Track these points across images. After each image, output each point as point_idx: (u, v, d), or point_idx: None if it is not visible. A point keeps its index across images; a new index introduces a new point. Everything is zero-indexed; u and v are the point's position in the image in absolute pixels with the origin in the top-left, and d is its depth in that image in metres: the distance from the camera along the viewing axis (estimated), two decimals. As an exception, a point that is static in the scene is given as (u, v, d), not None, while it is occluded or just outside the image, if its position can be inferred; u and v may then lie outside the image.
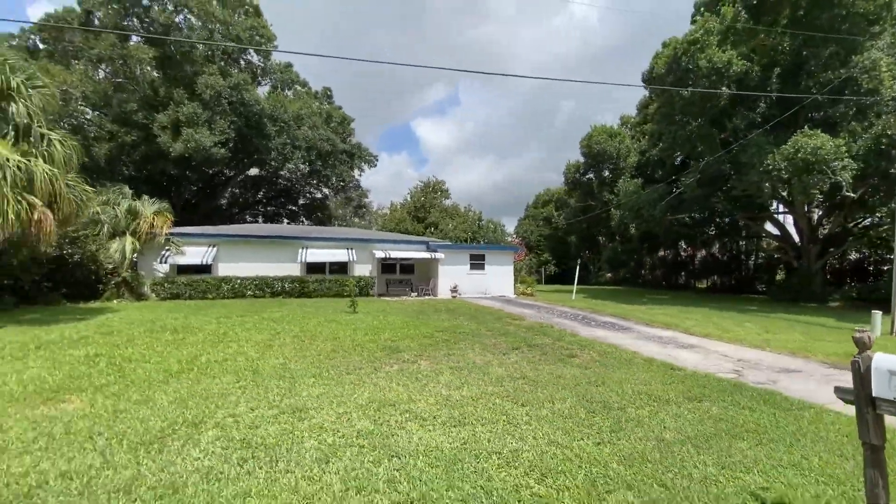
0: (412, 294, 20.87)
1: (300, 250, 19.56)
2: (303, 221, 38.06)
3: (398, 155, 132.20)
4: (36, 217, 9.10)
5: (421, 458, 3.49)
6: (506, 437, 3.99)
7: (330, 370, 6.43)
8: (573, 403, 5.01)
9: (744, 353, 8.65)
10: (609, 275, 42.92)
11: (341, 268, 20.69)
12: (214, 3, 22.64)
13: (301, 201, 37.96)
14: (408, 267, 24.11)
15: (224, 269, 18.96)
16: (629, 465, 3.45)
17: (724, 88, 16.24)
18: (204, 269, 18.53)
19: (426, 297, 20.73)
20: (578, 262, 21.61)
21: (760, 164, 15.37)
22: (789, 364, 7.77)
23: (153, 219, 17.13)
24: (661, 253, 37.64)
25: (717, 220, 28.66)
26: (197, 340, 8.60)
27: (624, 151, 25.65)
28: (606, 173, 28.39)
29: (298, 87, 31.32)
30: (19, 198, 8.80)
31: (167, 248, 17.86)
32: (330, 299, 17.94)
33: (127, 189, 18.26)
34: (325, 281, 18.90)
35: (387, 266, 23.80)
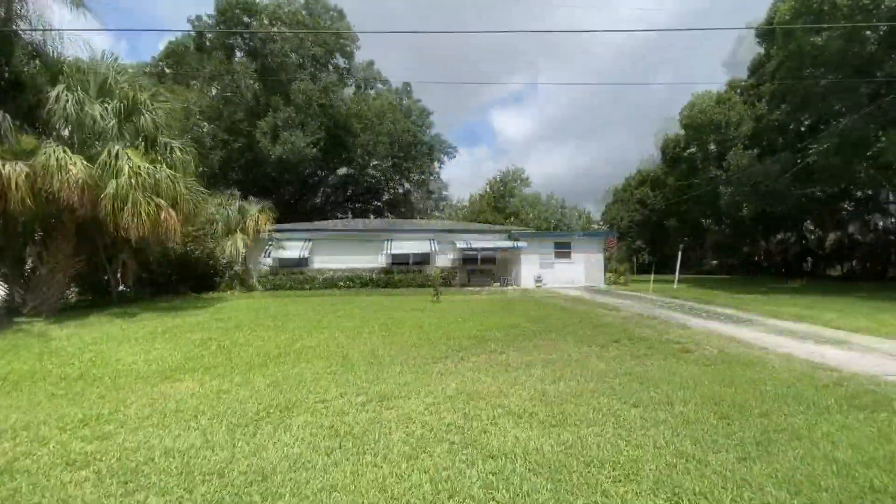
0: (494, 284, 20.40)
1: (385, 243, 20.12)
2: (387, 216, 39.54)
3: (478, 148, 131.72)
4: (162, 216, 10.31)
5: (519, 461, 3.04)
6: (618, 442, 3.37)
7: (417, 359, 6.26)
8: (698, 405, 4.18)
9: (917, 353, 6.81)
10: (715, 262, 38.24)
11: (424, 259, 20.92)
12: (304, 12, 24.21)
13: (385, 197, 39.39)
14: (489, 258, 23.61)
15: (318, 263, 20.22)
16: (794, 491, 2.65)
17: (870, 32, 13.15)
18: (301, 262, 19.93)
19: (508, 287, 20.12)
20: (680, 247, 19.27)
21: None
22: None
23: (258, 217, 18.77)
24: (781, 235, 32.44)
25: (857, 193, 23.75)
26: (294, 327, 9.07)
27: (734, 119, 22.15)
28: (712, 146, 24.86)
29: (380, 85, 32.39)
30: (149, 199, 10.05)
31: (269, 243, 19.50)
32: (414, 290, 18.20)
33: (237, 191, 20.28)
34: (408, 272, 19.24)
35: (468, 257, 23.56)
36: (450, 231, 21.24)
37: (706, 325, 9.23)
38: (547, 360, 6.20)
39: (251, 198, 19.85)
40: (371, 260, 20.09)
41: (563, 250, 20.90)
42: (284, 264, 20.11)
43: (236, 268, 18.92)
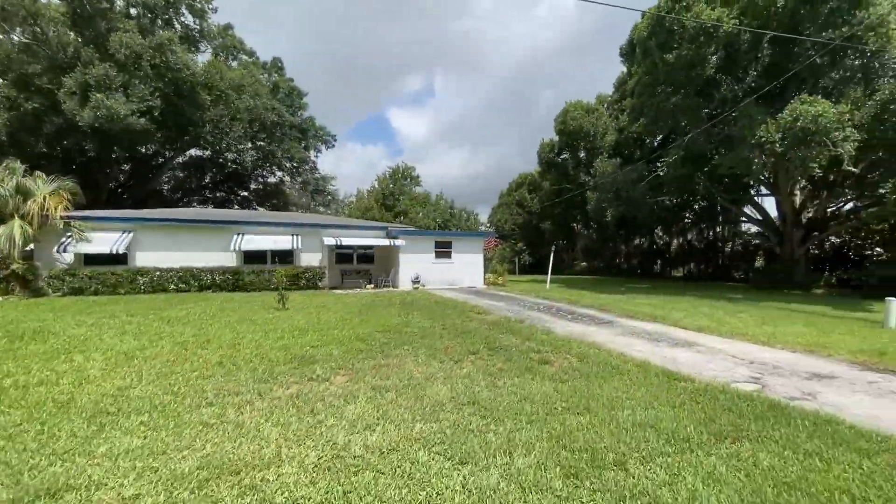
0: (367, 287, 18.75)
1: (234, 237, 17.06)
2: (256, 209, 35.10)
3: (374, 146, 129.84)
4: None
5: None
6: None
7: (186, 398, 4.35)
8: (543, 455, 3.14)
9: (753, 352, 7.07)
10: (584, 263, 41.92)
11: (286, 257, 18.34)
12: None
13: (253, 186, 34.88)
14: (367, 256, 21.94)
15: (143, 259, 16.30)
16: None
17: (711, 49, 14.73)
18: (117, 259, 15.82)
19: (385, 289, 18.67)
20: (552, 249, 19.97)
21: (752, 136, 13.97)
22: (814, 366, 6.21)
23: (46, 199, 14.31)
24: (637, 241, 36.80)
25: (695, 205, 27.71)
26: (33, 352, 6.30)
27: (601, 129, 24.07)
28: (583, 154, 26.80)
29: (245, 57, 28.20)
30: None
31: (69, 234, 15.06)
32: (269, 293, 15.62)
33: (18, 164, 15.31)
34: (264, 272, 16.52)
35: (343, 255, 21.56)
36: (318, 226, 18.96)
37: (569, 329, 8.87)
38: (378, 387, 4.81)
39: (39, 173, 15.14)
40: (216, 257, 16.87)
41: (443, 250, 20.16)
42: (95, 261, 15.76)
43: (13, 266, 14.19)
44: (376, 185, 53.24)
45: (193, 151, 31.00)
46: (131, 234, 16.12)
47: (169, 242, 16.74)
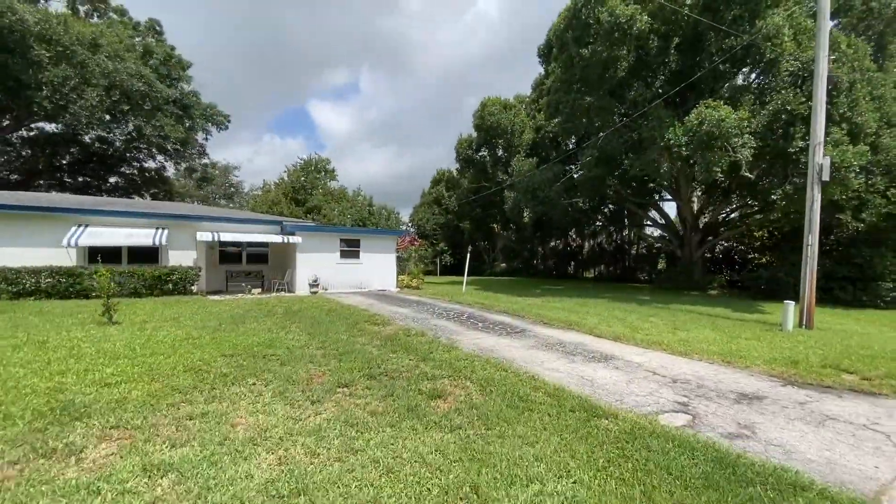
0: (255, 291, 16.15)
1: (73, 229, 13.52)
2: (132, 199, 29.80)
3: (293, 139, 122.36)
4: None
5: None
6: None
7: None
8: None
9: (672, 365, 6.37)
10: (504, 264, 42.21)
11: (150, 255, 15.08)
12: None
13: (127, 171, 29.52)
14: (260, 255, 19.18)
15: (-70, 257, 12.21)
16: None
17: (624, 50, 14.67)
18: None
19: (280, 293, 16.22)
20: (469, 250, 18.96)
21: (661, 139, 14.04)
22: (738, 383, 5.58)
23: None
24: (553, 242, 37.77)
25: (605, 209, 28.78)
26: None
27: (519, 127, 23.78)
28: (501, 151, 26.42)
29: (114, 16, 23.41)
30: None
31: None
32: (120, 300, 12.50)
33: None
34: (115, 274, 13.23)
35: (229, 254, 18.58)
36: (191, 217, 15.90)
37: (477, 342, 7.62)
38: (155, 465, 2.99)
39: None
40: (46, 254, 13.24)
41: (350, 249, 18.17)
42: None
43: None
44: (285, 178, 49.11)
45: (46, 125, 25.26)
46: None
47: (-29, 235, 12.77)
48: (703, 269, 22.87)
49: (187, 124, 25.65)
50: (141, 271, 13.65)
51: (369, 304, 13.04)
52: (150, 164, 29.91)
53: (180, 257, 15.40)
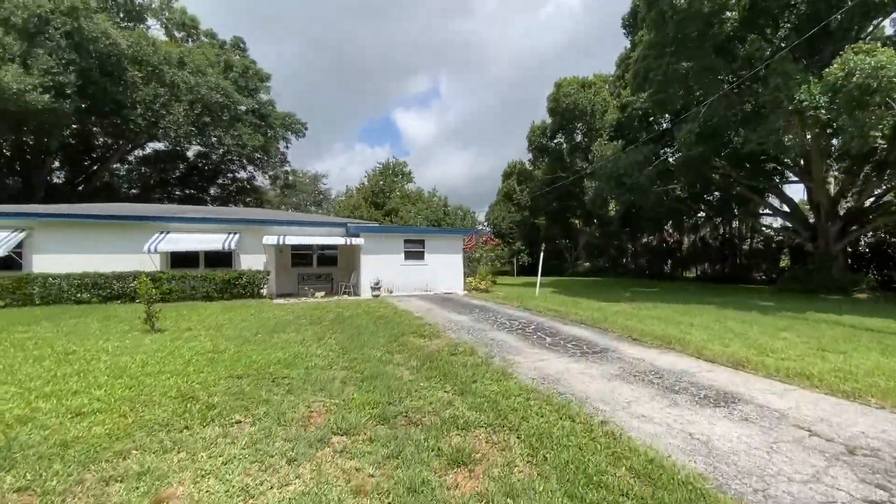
0: (318, 294, 15.85)
1: (156, 235, 14.27)
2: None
3: (381, 147, 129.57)
4: None
5: None
6: None
7: None
8: None
9: (838, 418, 4.19)
10: (587, 264, 38.83)
11: (224, 259, 15.51)
12: None
13: (222, 182, 32.17)
14: (330, 258, 19.10)
15: (42, 263, 13.59)
16: None
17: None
18: (8, 263, 13.09)
19: (345, 295, 15.79)
20: (543, 248, 16.97)
21: (788, 101, 10.93)
22: None
23: None
24: (645, 238, 33.69)
25: (709, 197, 24.58)
26: None
27: (600, 106, 20.96)
28: (579, 136, 23.70)
29: (204, 39, 25.47)
30: None
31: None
32: (192, 304, 12.84)
33: None
34: (188, 278, 13.71)
35: (302, 256, 18.73)
36: (259, 222, 16.13)
37: (541, 366, 5.95)
38: None
39: None
40: (132, 261, 14.10)
41: (414, 250, 17.25)
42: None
43: None
44: (365, 182, 50.64)
45: (155, 145, 28.43)
46: (23, 234, 13.40)
47: (75, 243, 14.01)
48: (845, 266, 18.27)
49: (269, 134, 27.05)
50: (212, 275, 13.97)
51: (427, 309, 11.85)
52: (242, 174, 32.36)
53: (251, 261, 15.65)
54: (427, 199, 50.98)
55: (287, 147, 31.72)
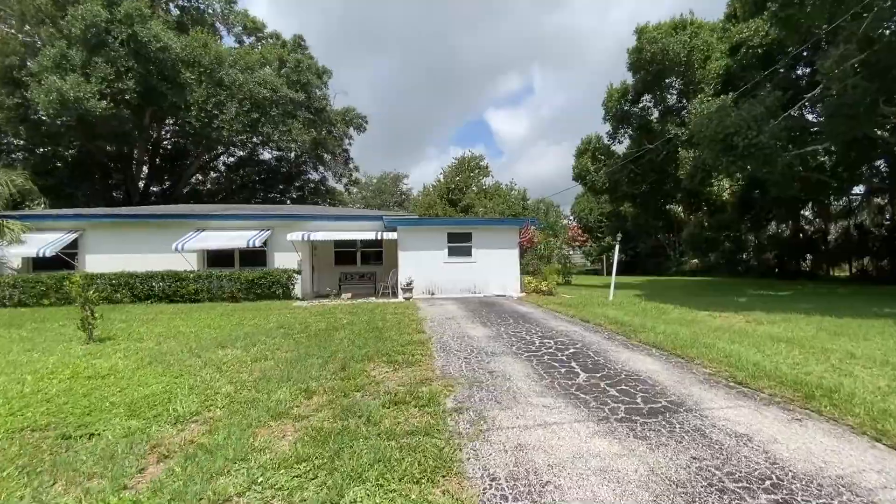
0: (344, 296, 14.21)
1: (192, 233, 13.90)
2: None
3: (474, 149, 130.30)
4: None
5: None
6: None
7: None
8: None
9: None
10: (695, 261, 32.57)
11: (259, 259, 14.70)
12: None
13: (298, 184, 33.02)
14: (375, 255, 17.56)
15: (93, 263, 13.97)
16: None
17: None
18: (60, 262, 13.61)
19: (381, 298, 14.00)
20: (617, 238, 13.24)
21: None
22: None
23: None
24: (773, 228, 26.86)
25: (870, 167, 18.06)
26: None
27: (700, 52, 16.02)
28: (672, 98, 18.71)
29: (271, 41, 25.93)
30: None
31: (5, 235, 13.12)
32: (219, 304, 12.05)
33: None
34: (215, 277, 13.00)
35: (345, 254, 17.48)
36: (290, 217, 15.04)
37: (532, 438, 3.23)
38: None
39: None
40: (170, 259, 13.84)
41: (459, 245, 14.84)
42: (44, 266, 13.75)
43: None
44: (441, 179, 49.49)
45: (237, 152, 30.11)
46: (76, 235, 13.86)
47: (117, 243, 14.21)
48: None
49: (325, 130, 26.71)
50: (237, 274, 13.13)
51: (450, 317, 9.40)
52: (314, 175, 32.97)
53: (285, 259, 14.62)
54: (505, 192, 48.09)
55: (350, 143, 31.50)
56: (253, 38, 25.95)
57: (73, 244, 14.07)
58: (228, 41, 25.10)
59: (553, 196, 62.47)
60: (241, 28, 24.89)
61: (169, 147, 26.57)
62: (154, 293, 12.85)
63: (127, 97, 17.39)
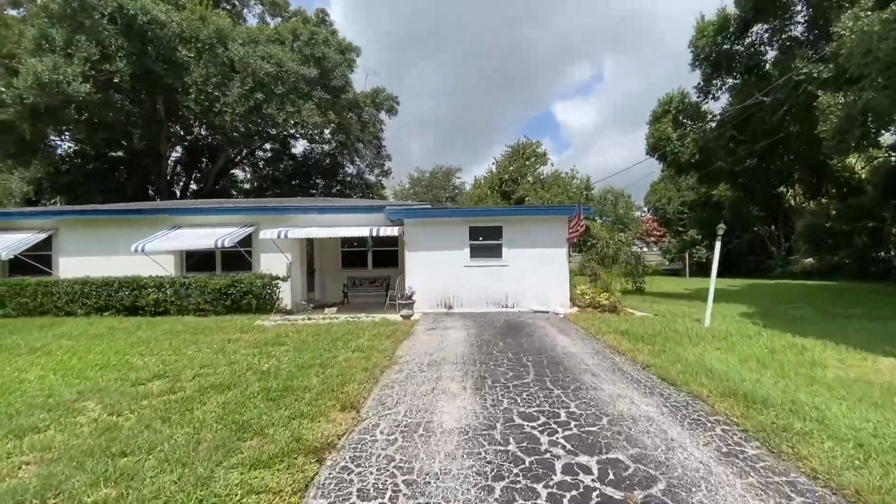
0: (328, 311, 11.15)
1: (162, 232, 11.67)
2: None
3: (541, 141, 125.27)
4: None
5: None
6: None
7: None
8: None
9: None
10: (810, 260, 25.83)
11: (243, 262, 12.14)
12: None
13: (337, 178, 30.95)
14: (389, 256, 14.46)
15: (66, 267, 12.26)
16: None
17: None
18: (37, 269, 12.02)
19: (389, 312, 10.78)
20: (720, 233, 8.72)
21: None
22: None
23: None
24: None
25: None
26: None
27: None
28: (799, 27, 12.86)
29: (295, 20, 23.74)
30: None
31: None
32: (179, 321, 9.62)
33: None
34: (178, 285, 10.58)
35: (354, 255, 14.59)
36: (281, 209, 12.31)
37: None
38: None
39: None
40: (138, 262, 11.70)
41: (485, 243, 11.20)
42: (21, 269, 12.27)
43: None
44: (493, 170, 45.56)
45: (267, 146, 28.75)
46: (45, 234, 12.17)
47: (90, 243, 12.35)
48: None
49: (356, 116, 23.94)
50: (204, 282, 10.60)
51: (440, 359, 5.93)
52: (350, 168, 30.69)
53: (271, 262, 11.93)
54: (565, 181, 43.08)
55: (382, 129, 28.61)
56: (279, 19, 24.06)
57: (48, 245, 12.49)
58: (252, 23, 23.51)
59: (618, 181, 55.81)
60: (259, 8, 23.17)
61: (195, 141, 25.63)
62: (112, 304, 10.71)
63: (117, 80, 15.88)
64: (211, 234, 11.19)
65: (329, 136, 25.72)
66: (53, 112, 15.46)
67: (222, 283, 10.49)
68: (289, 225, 11.74)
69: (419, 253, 11.19)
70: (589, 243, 21.57)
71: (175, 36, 16.39)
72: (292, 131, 21.73)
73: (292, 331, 8.24)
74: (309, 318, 9.69)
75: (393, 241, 13.59)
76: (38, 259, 12.24)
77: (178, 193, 26.27)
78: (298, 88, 18.14)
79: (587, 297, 11.18)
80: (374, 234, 10.59)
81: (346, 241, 14.37)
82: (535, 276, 11.04)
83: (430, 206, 13.30)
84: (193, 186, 28.29)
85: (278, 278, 11.10)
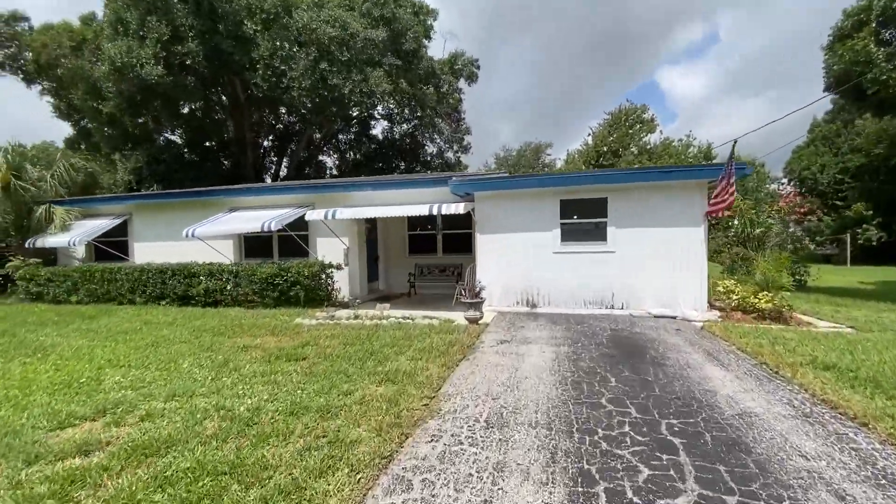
0: (379, 307, 9.17)
1: (220, 215, 10.81)
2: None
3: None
4: None
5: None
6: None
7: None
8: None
9: None
10: None
11: (295, 246, 10.82)
12: None
13: (420, 159, 29.42)
14: (459, 240, 12.25)
15: (141, 252, 12.16)
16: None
17: None
18: (115, 255, 12.09)
19: (457, 310, 8.65)
20: None
21: None
22: None
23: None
24: None
25: None
26: None
27: None
28: None
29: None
30: None
31: (68, 221, 12.06)
32: (222, 312, 8.57)
33: None
34: (226, 273, 9.52)
35: (422, 239, 12.64)
36: (332, 186, 10.69)
37: None
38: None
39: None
40: (200, 248, 10.98)
41: (584, 221, 8.36)
42: (105, 256, 12.50)
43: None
44: (589, 142, 40.54)
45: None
46: (119, 220, 12.10)
47: (156, 229, 12.07)
48: None
49: (434, 86, 21.56)
50: (252, 270, 9.38)
51: (504, 407, 3.53)
52: (430, 147, 28.85)
53: (328, 246, 10.43)
54: (679, 150, 36.81)
55: (462, 97, 25.93)
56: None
57: (124, 231, 12.48)
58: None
59: (745, 149, 47.10)
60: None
61: (283, 129, 25.77)
62: (166, 293, 10.05)
63: (189, 62, 15.61)
64: (260, 216, 9.94)
65: (408, 113, 23.99)
66: (144, 101, 15.95)
67: (268, 271, 9.16)
68: (345, 204, 10.09)
69: (493, 235, 8.76)
70: (715, 221, 17.07)
71: (242, 8, 15.71)
72: (357, 105, 20.29)
73: (327, 335, 6.44)
74: (355, 317, 7.88)
75: (466, 221, 11.30)
76: (116, 245, 12.30)
77: (269, 181, 26.89)
78: (366, 53, 16.48)
79: (735, 296, 7.80)
80: (435, 211, 8.38)
81: (412, 224, 12.44)
82: (656, 266, 7.94)
83: (507, 175, 10.68)
84: (284, 173, 28.80)
85: (331, 266, 9.51)
